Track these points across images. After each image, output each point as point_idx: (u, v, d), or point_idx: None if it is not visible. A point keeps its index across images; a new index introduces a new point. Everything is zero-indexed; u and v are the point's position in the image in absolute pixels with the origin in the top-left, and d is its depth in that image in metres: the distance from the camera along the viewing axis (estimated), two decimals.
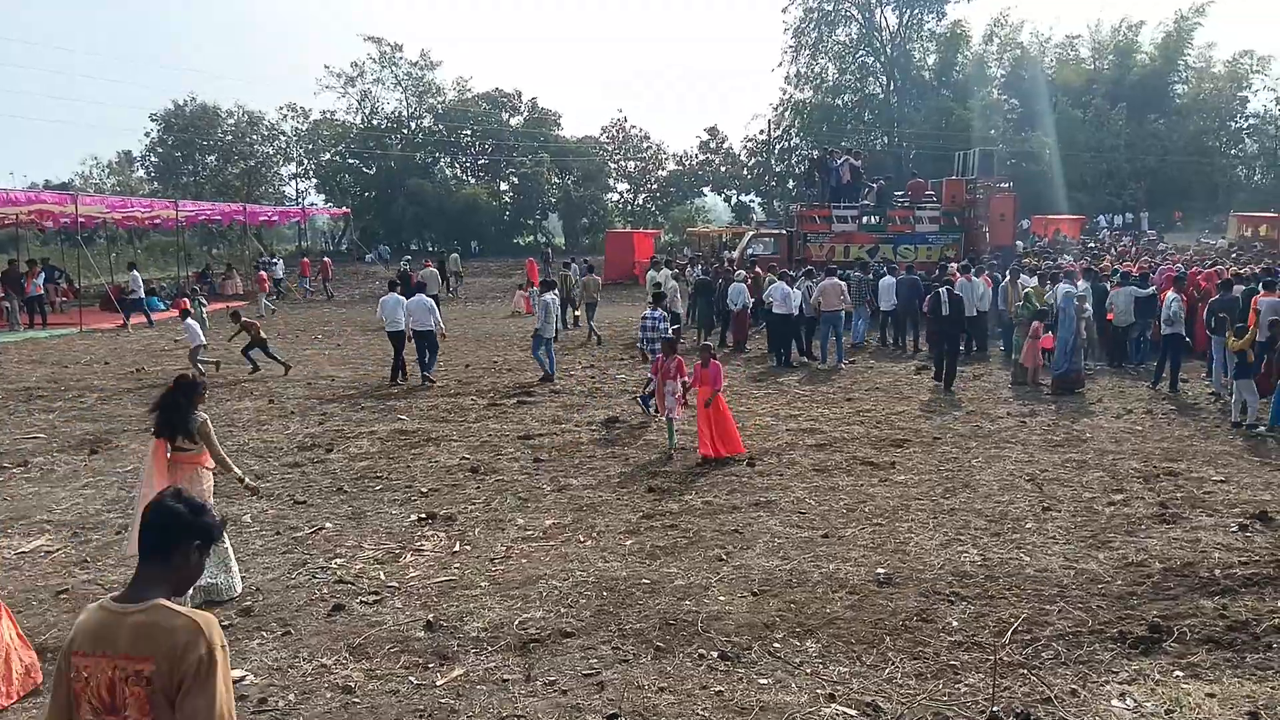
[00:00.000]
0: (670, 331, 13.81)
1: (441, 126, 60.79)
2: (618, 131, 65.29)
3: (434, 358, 16.07)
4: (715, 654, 5.92)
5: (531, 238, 61.80)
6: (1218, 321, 13.36)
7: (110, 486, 9.90)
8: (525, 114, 63.33)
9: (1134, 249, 33.85)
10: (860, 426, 12.33)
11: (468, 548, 8.00)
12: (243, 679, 5.65)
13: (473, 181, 61.64)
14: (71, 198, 27.70)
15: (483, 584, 7.16)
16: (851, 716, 5.11)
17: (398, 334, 15.78)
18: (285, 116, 61.53)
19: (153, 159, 59.92)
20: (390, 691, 5.53)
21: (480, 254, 55.68)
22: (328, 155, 60.82)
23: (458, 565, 7.58)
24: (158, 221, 34.02)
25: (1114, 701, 5.16)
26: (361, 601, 6.86)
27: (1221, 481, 9.54)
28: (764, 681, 5.56)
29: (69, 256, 34.76)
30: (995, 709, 4.93)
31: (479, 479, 10.09)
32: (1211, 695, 5.16)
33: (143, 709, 2.55)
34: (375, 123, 60.58)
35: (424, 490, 9.65)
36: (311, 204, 58.09)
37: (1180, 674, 5.48)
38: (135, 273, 27.70)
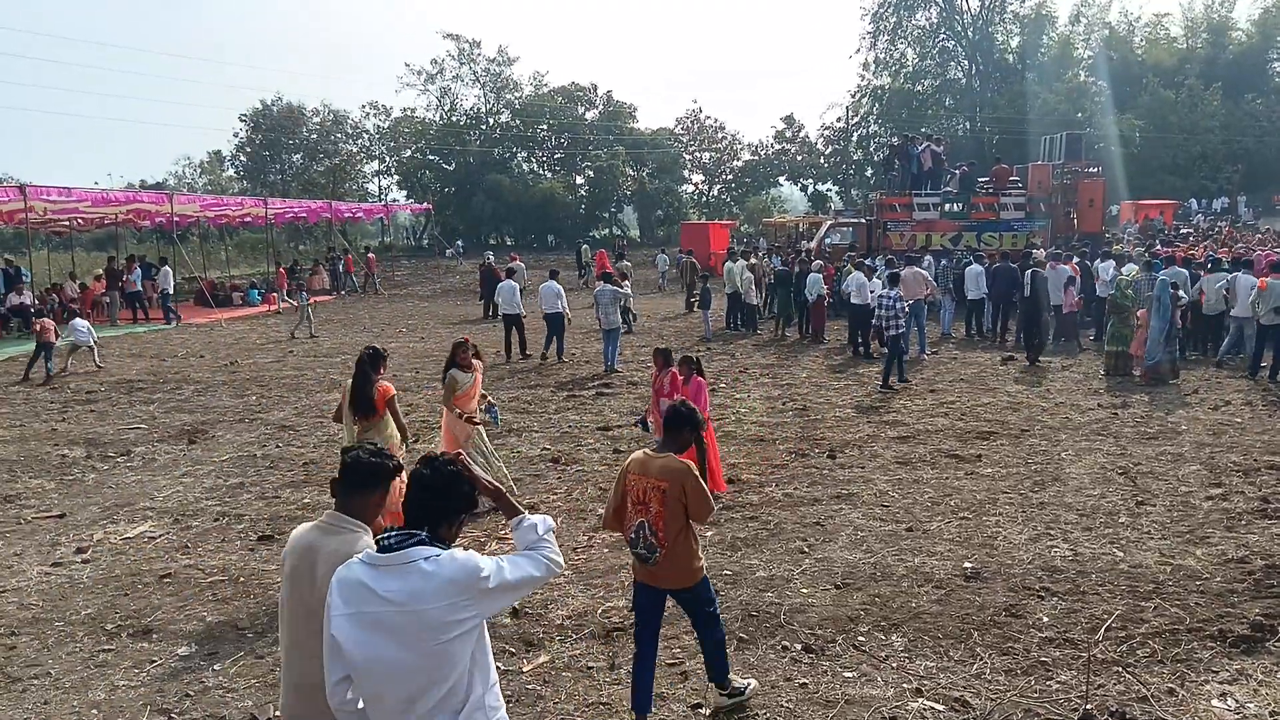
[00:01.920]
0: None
1: (519, 121, 61.48)
2: (692, 123, 65.20)
3: (561, 341, 17.61)
4: (799, 646, 5.90)
5: (607, 230, 62.07)
6: None
7: (208, 475, 10.29)
8: (600, 107, 63.64)
9: (1227, 233, 32.49)
10: (944, 418, 12.12)
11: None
12: None
13: (549, 176, 62.20)
14: (167, 197, 28.74)
15: (566, 573, 7.25)
16: (939, 712, 5.05)
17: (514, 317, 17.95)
18: (368, 114, 63.05)
19: (241, 158, 61.94)
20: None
21: (556, 247, 56.15)
22: (409, 152, 62.04)
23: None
24: (248, 219, 35.12)
25: (1214, 701, 5.00)
26: None
27: None
28: (849, 675, 5.53)
29: (164, 254, 36.14)
30: (1089, 707, 4.81)
31: (560, 469, 10.22)
32: None
33: (660, 505, 4.67)
34: (454, 119, 61.56)
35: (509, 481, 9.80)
36: (394, 200, 59.37)
37: None
38: (166, 268, 27.43)
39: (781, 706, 5.20)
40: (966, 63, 61.37)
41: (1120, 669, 5.42)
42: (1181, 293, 14.90)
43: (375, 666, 2.69)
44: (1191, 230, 35.92)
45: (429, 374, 16.42)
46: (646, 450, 4.87)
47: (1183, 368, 14.52)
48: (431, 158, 61.44)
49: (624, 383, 15.15)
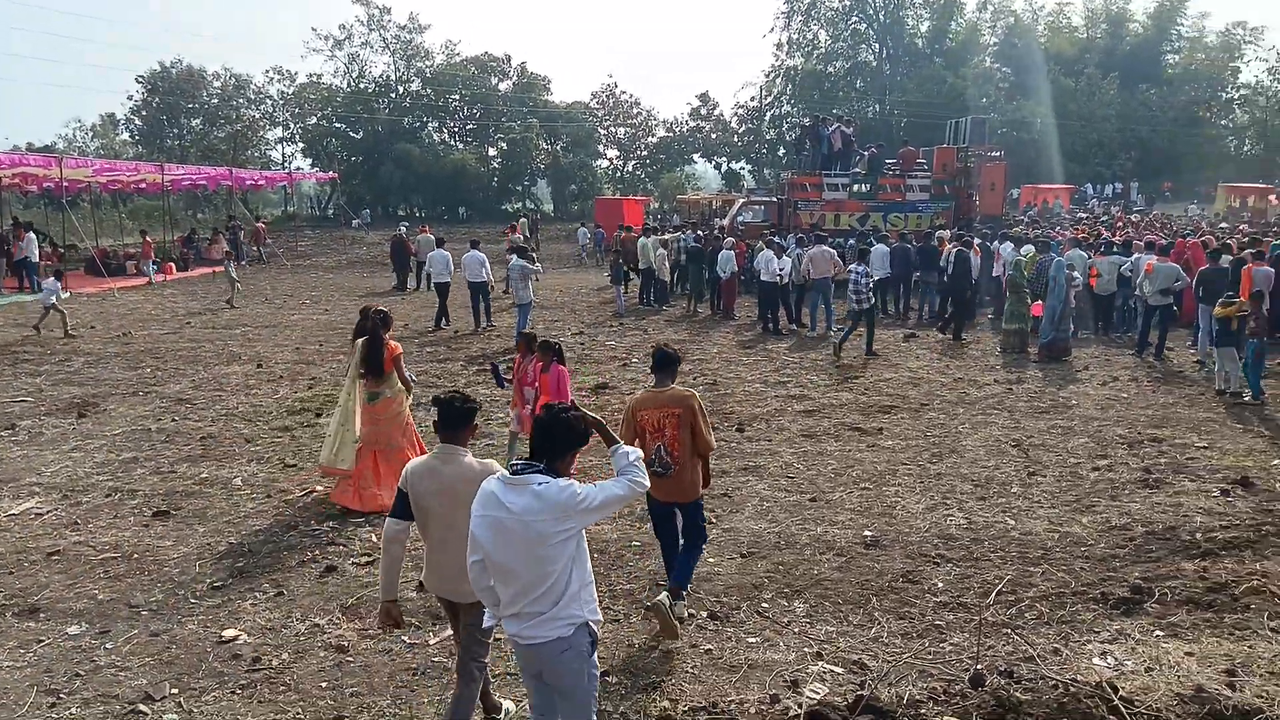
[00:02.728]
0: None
1: (429, 90, 60.24)
2: (608, 97, 64.88)
3: (488, 306, 18.29)
4: (705, 614, 5.99)
5: (520, 204, 61.45)
6: (1206, 291, 13.45)
7: (99, 450, 9.88)
8: (514, 79, 62.79)
9: (1121, 219, 33.93)
10: (848, 393, 12.40)
11: None
12: (236, 639, 5.70)
13: (461, 147, 61.15)
14: (55, 160, 27.29)
15: None
16: (838, 674, 5.19)
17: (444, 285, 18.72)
18: (272, 80, 61.00)
19: (137, 122, 59.28)
20: (383, 651, 5.59)
21: (468, 220, 55.36)
22: (314, 119, 60.24)
23: None
24: (143, 185, 33.61)
25: (1095, 660, 5.25)
26: (354, 563, 6.91)
27: (1205, 448, 9.65)
28: (752, 640, 5.64)
29: (53, 221, 34.40)
30: (979, 667, 5.01)
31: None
32: (1190, 654, 5.25)
33: (675, 429, 5.59)
34: (363, 86, 59.98)
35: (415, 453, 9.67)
36: (298, 169, 57.55)
37: (1160, 634, 5.57)
38: (31, 235, 25.87)
39: (687, 672, 5.28)
40: (877, 46, 62.48)
41: (1009, 631, 5.66)
42: (1075, 274, 15.49)
43: (499, 558, 3.55)
44: (1086, 215, 37.38)
45: (333, 347, 16.07)
46: (648, 388, 5.92)
47: (1074, 345, 15.12)
48: (338, 125, 59.79)
49: None
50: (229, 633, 5.78)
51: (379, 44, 60.35)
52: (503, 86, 62.59)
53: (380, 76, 61.08)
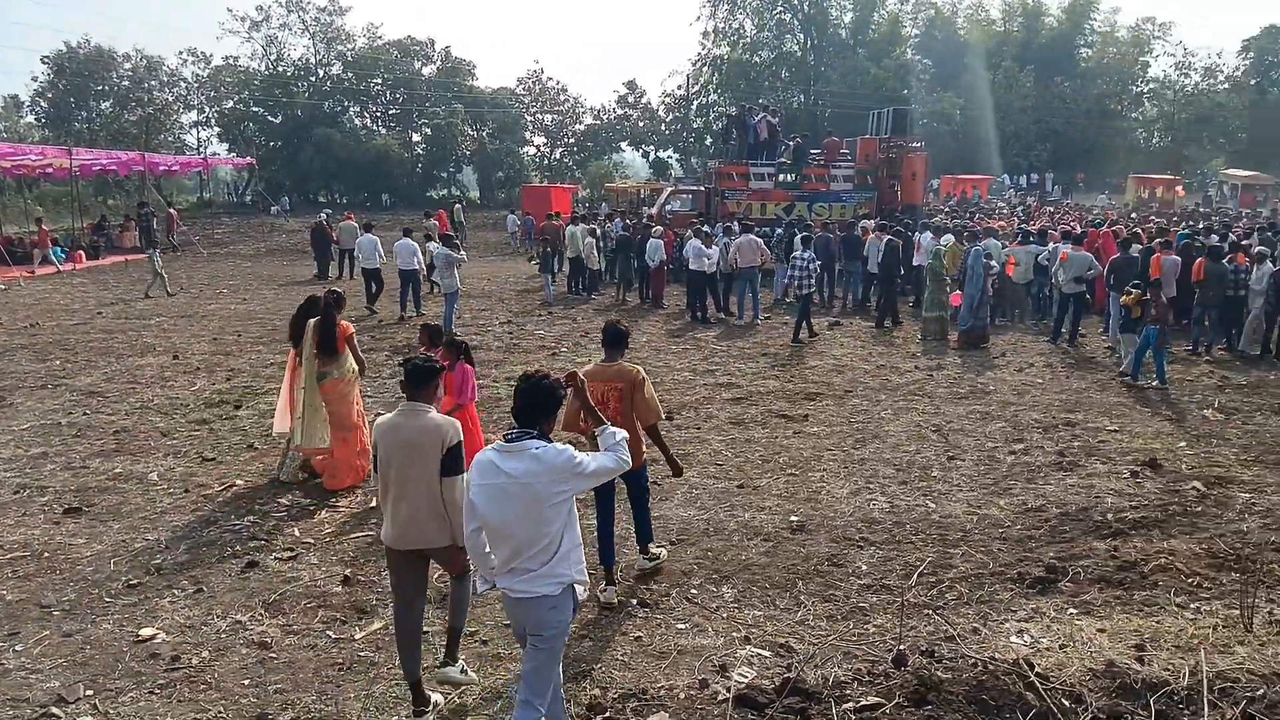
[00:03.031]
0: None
1: (351, 75, 58.95)
2: (534, 84, 64.31)
3: (418, 294, 18.23)
4: (634, 601, 6.03)
5: (445, 191, 60.61)
6: (1117, 279, 13.94)
7: (6, 445, 9.49)
8: (438, 63, 61.83)
9: (1037, 209, 34.95)
10: (775, 381, 12.55)
11: None
12: (153, 638, 5.54)
13: (383, 132, 59.99)
14: None
15: None
16: (766, 657, 5.27)
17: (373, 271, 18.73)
18: (186, 62, 58.92)
19: (42, 104, 56.79)
20: (308, 646, 5.49)
21: (391, 207, 54.39)
22: (231, 103, 58.47)
23: (375, 521, 7.51)
24: (49, 170, 32.21)
25: (1013, 638, 5.42)
26: (276, 558, 6.76)
27: (1115, 431, 10.02)
28: (681, 626, 5.69)
29: None
30: (902, 647, 5.13)
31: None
32: (1102, 630, 5.46)
33: (617, 402, 5.93)
34: (281, 70, 58.40)
35: None
36: (214, 154, 55.80)
37: (1074, 611, 5.78)
38: None
39: (617, 660, 5.30)
40: (802, 36, 63.03)
41: (931, 611, 5.81)
42: (993, 263, 15.91)
43: (497, 522, 3.77)
44: (1004, 205, 38.41)
45: (252, 337, 15.68)
46: (597, 362, 6.25)
47: (992, 333, 15.54)
48: (256, 110, 58.10)
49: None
50: (146, 632, 5.62)
51: (298, 26, 58.81)
52: (427, 71, 61.57)
53: (299, 60, 59.56)
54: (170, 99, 59.29)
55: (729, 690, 4.80)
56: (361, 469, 8.19)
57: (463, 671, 4.97)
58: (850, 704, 4.47)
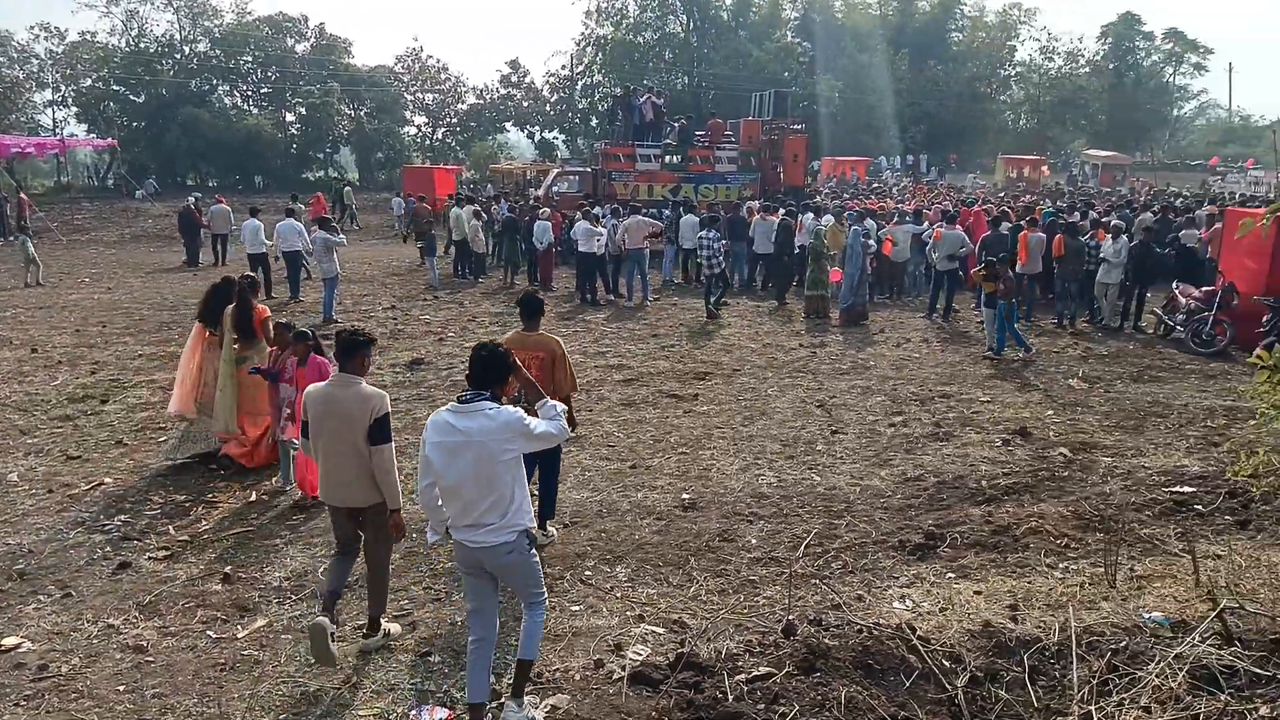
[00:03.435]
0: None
1: (219, 52, 56.27)
2: (413, 62, 62.73)
3: (297, 278, 17.74)
4: None
5: (322, 172, 58.66)
6: (989, 257, 14.52)
7: None
8: (312, 40, 59.58)
9: (917, 189, 36.12)
10: (665, 361, 12.65)
11: (265, 498, 7.68)
12: (18, 647, 5.23)
13: (255, 112, 57.49)
14: None
15: (283, 533, 6.91)
16: (660, 634, 5.33)
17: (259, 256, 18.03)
18: (38, 37, 55.12)
19: None
20: (187, 648, 5.27)
21: (265, 189, 52.35)
22: (89, 81, 55.08)
23: (255, 515, 7.27)
24: None
25: (895, 604, 5.62)
26: (150, 558, 6.47)
27: (988, 402, 10.48)
28: (576, 609, 5.69)
29: None
30: (791, 618, 5.26)
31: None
32: (979, 593, 5.72)
33: (538, 370, 5.93)
34: (143, 46, 55.27)
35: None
36: (71, 135, 52.51)
37: (952, 575, 6.04)
38: None
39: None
40: (685, 17, 63.30)
41: (818, 581, 5.97)
42: (871, 242, 16.38)
43: (452, 477, 4.08)
44: (881, 185, 39.55)
45: (118, 329, 14.90)
46: (517, 331, 6.43)
47: (871, 310, 16.02)
48: (117, 88, 54.81)
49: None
50: (9, 641, 5.30)
51: (160, 1, 55.81)
52: (300, 48, 59.25)
53: (163, 36, 56.35)
54: (21, 76, 55.47)
55: (624, 669, 4.83)
56: (274, 448, 8.16)
57: (332, 637, 4.93)
58: (742, 675, 4.56)
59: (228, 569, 6.26)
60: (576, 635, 5.35)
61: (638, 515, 7.19)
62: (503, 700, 4.51)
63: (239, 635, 5.41)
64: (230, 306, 8.26)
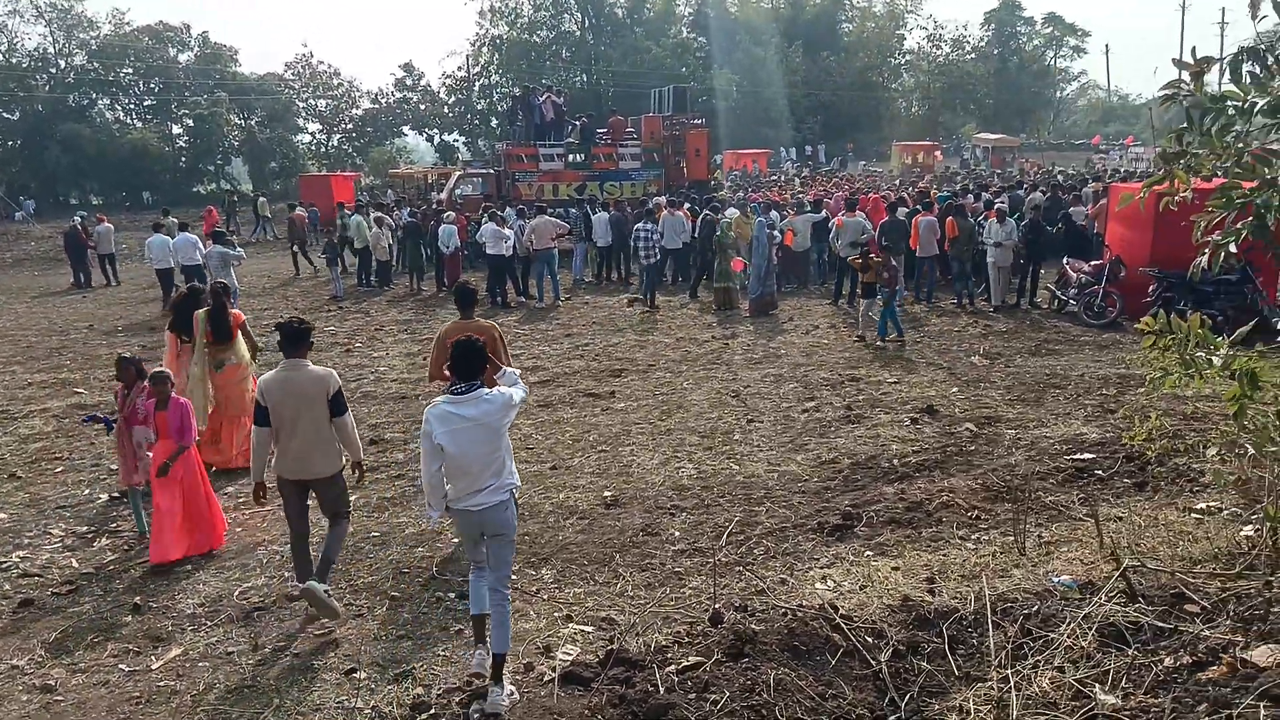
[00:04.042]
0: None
1: (97, 65, 53.94)
2: (304, 68, 61.18)
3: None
4: (452, 595, 5.94)
5: (214, 185, 56.80)
6: (888, 241, 14.91)
7: None
8: (196, 49, 57.64)
9: (814, 179, 36.79)
10: (580, 360, 12.64)
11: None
12: None
13: (139, 125, 55.34)
14: None
15: (194, 559, 6.69)
16: (589, 633, 5.33)
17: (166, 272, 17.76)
18: None
19: None
20: (99, 684, 5.07)
21: (154, 206, 50.43)
22: None
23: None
24: None
25: (817, 585, 5.73)
26: (54, 593, 6.19)
27: (895, 383, 10.76)
28: None
29: None
30: (717, 606, 5.31)
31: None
32: (896, 569, 5.87)
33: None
34: (15, 61, 52.65)
35: (114, 467, 8.78)
36: None
37: (870, 553, 6.18)
38: None
39: (439, 655, 5.22)
40: (580, 15, 63.22)
41: (741, 568, 6.05)
42: (775, 232, 16.64)
43: (461, 457, 4.68)
44: (781, 175, 40.19)
45: (4, 356, 14.19)
46: (457, 320, 6.93)
47: (779, 299, 16.28)
48: None
49: None
50: None
51: (30, 13, 53.15)
52: (183, 58, 57.24)
53: (36, 50, 53.83)
54: None
55: (554, 670, 4.82)
56: (214, 453, 8.48)
57: (327, 594, 5.56)
58: (673, 667, 4.59)
59: (137, 599, 6.03)
60: None
61: (560, 516, 7.17)
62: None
63: (153, 667, 5.22)
64: (202, 311, 8.56)
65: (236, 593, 6.10)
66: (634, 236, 17.41)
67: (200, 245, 17.14)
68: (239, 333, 8.70)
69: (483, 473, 4.76)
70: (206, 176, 57.81)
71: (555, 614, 5.60)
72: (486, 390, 4.78)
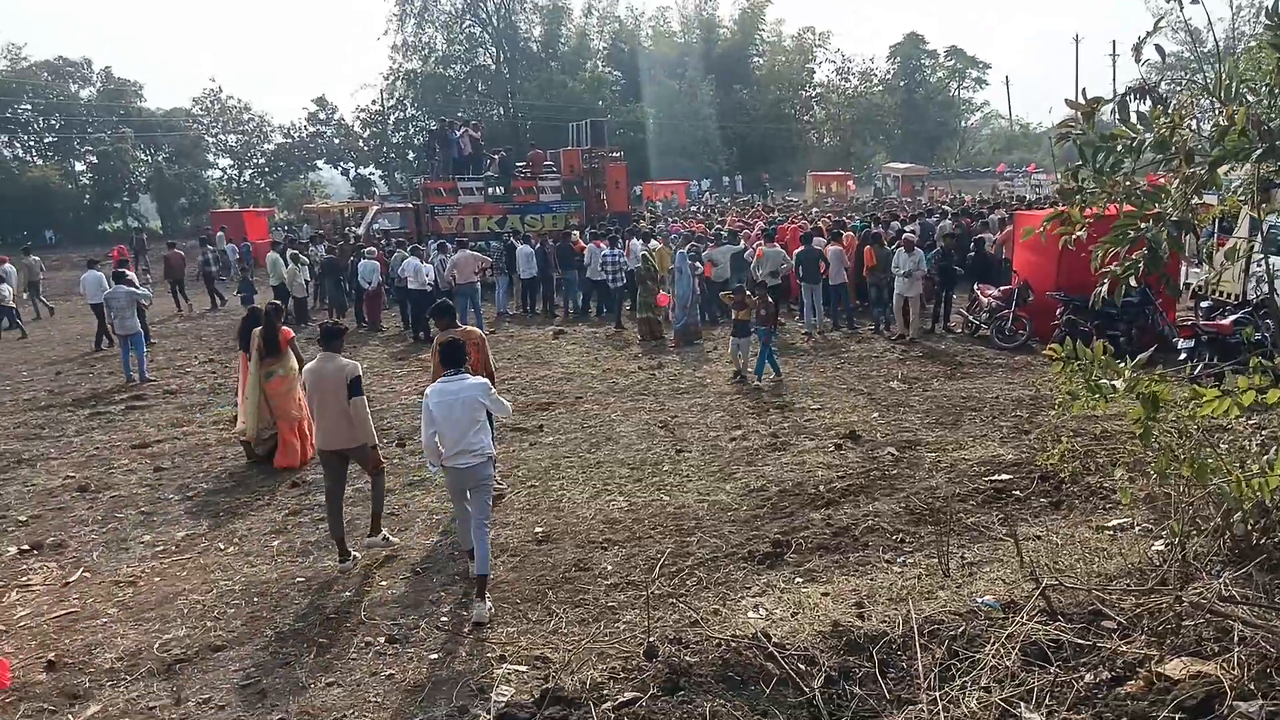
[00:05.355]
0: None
1: None
2: (212, 103, 60.01)
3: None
4: (382, 639, 5.84)
5: (121, 222, 55.10)
6: (805, 270, 15.21)
7: None
8: (99, 85, 56.13)
9: (756, 212, 37.31)
10: (506, 394, 12.51)
11: (87, 575, 7.14)
12: None
13: (40, 163, 53.53)
14: None
15: (111, 611, 6.45)
16: (523, 672, 5.29)
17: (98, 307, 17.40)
18: None
19: None
20: None
21: (58, 244, 48.66)
22: None
23: (77, 596, 6.74)
24: None
25: (750, 614, 5.79)
26: None
27: (819, 409, 10.96)
28: (434, 656, 5.58)
29: None
30: (651, 639, 5.33)
31: (90, 498, 8.99)
32: (826, 594, 5.97)
33: (476, 353, 7.83)
34: None
35: (22, 518, 8.43)
36: None
37: (800, 580, 6.28)
38: None
39: (370, 701, 5.11)
40: (494, 49, 63.43)
41: (675, 600, 6.08)
42: (697, 263, 16.84)
43: (445, 420, 6.01)
44: (697, 207, 40.70)
45: None
46: (443, 333, 7.56)
47: (703, 329, 16.46)
48: None
49: (159, 392, 13.65)
50: None
51: None
52: (85, 94, 55.71)
53: None
54: None
55: (489, 712, 4.77)
56: (298, 452, 9.75)
57: (384, 540, 7.23)
58: (609, 703, 4.59)
59: (51, 656, 5.78)
60: (438, 684, 5.23)
61: (491, 554, 7.10)
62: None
63: None
64: (257, 329, 9.71)
65: (156, 645, 5.89)
66: (601, 262, 17.94)
67: (104, 284, 16.48)
68: (288, 348, 9.81)
69: (466, 435, 6.00)
70: (113, 214, 56.13)
71: (488, 654, 5.54)
72: (468, 374, 6.20)
